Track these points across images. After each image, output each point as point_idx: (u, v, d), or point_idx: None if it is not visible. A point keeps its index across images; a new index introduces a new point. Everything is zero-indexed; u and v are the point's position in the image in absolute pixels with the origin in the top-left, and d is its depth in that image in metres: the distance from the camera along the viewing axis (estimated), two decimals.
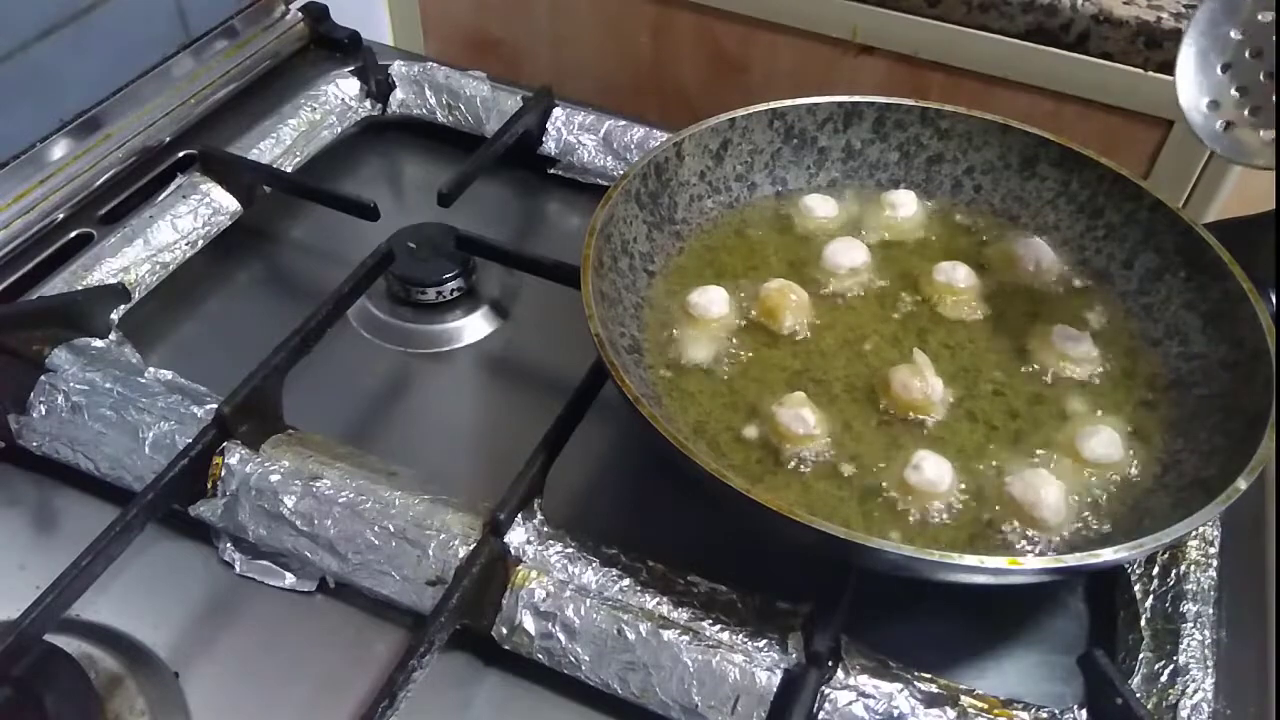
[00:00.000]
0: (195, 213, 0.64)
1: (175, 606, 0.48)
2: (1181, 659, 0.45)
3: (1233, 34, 0.50)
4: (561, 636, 0.44)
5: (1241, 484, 0.42)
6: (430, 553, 0.46)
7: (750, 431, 0.50)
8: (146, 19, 0.72)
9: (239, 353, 0.53)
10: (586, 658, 0.44)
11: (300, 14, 0.83)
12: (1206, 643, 0.45)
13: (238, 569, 0.49)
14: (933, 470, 0.47)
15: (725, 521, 0.49)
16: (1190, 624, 0.46)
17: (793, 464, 0.49)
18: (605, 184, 0.69)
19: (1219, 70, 0.50)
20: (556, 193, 0.74)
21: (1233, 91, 0.49)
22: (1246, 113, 0.49)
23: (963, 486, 0.48)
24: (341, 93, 0.74)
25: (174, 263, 0.62)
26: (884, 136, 0.63)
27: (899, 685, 0.42)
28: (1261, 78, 0.49)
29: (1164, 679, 0.44)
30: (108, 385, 0.52)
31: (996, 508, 0.47)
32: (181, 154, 0.71)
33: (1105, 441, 0.49)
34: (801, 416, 0.49)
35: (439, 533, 0.46)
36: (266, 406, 0.52)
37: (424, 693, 0.43)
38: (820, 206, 0.61)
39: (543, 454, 0.49)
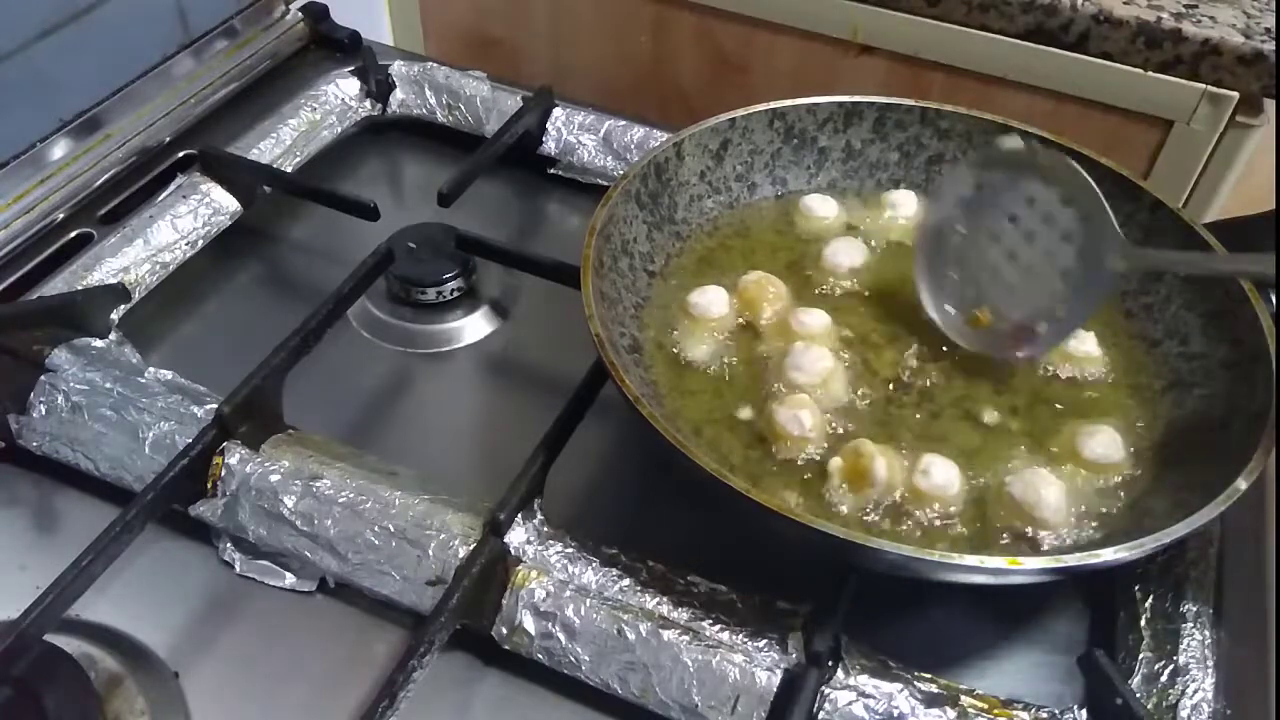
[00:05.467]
0: (195, 213, 0.64)
1: (175, 606, 0.48)
2: (1181, 659, 0.45)
3: (952, 243, 0.55)
4: (561, 636, 0.44)
5: (1241, 484, 0.42)
6: (430, 553, 0.46)
7: (750, 432, 0.50)
8: (146, 19, 0.72)
9: (239, 353, 0.52)
10: (586, 658, 0.44)
11: (300, 14, 0.83)
12: (1206, 643, 0.45)
13: (238, 569, 0.49)
14: (941, 475, 0.47)
15: (725, 521, 0.49)
16: (1190, 624, 0.46)
17: (793, 464, 0.49)
18: (605, 184, 0.69)
19: (949, 275, 0.55)
20: (556, 193, 0.74)
21: (964, 292, 0.54)
22: (978, 311, 0.53)
23: (963, 486, 0.48)
24: (341, 93, 0.74)
25: (174, 263, 0.62)
26: (884, 136, 0.63)
27: (899, 685, 0.42)
28: (981, 276, 0.54)
29: (1164, 679, 0.44)
30: (108, 385, 0.52)
31: (997, 508, 0.47)
32: (181, 154, 0.71)
33: (1105, 441, 0.49)
34: (798, 418, 0.49)
35: (439, 533, 0.46)
36: (266, 406, 0.52)
37: (424, 693, 0.43)
38: (820, 206, 0.61)
39: (543, 454, 0.49)
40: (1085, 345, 0.53)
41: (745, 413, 0.51)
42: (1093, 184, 0.50)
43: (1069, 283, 0.51)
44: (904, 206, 0.61)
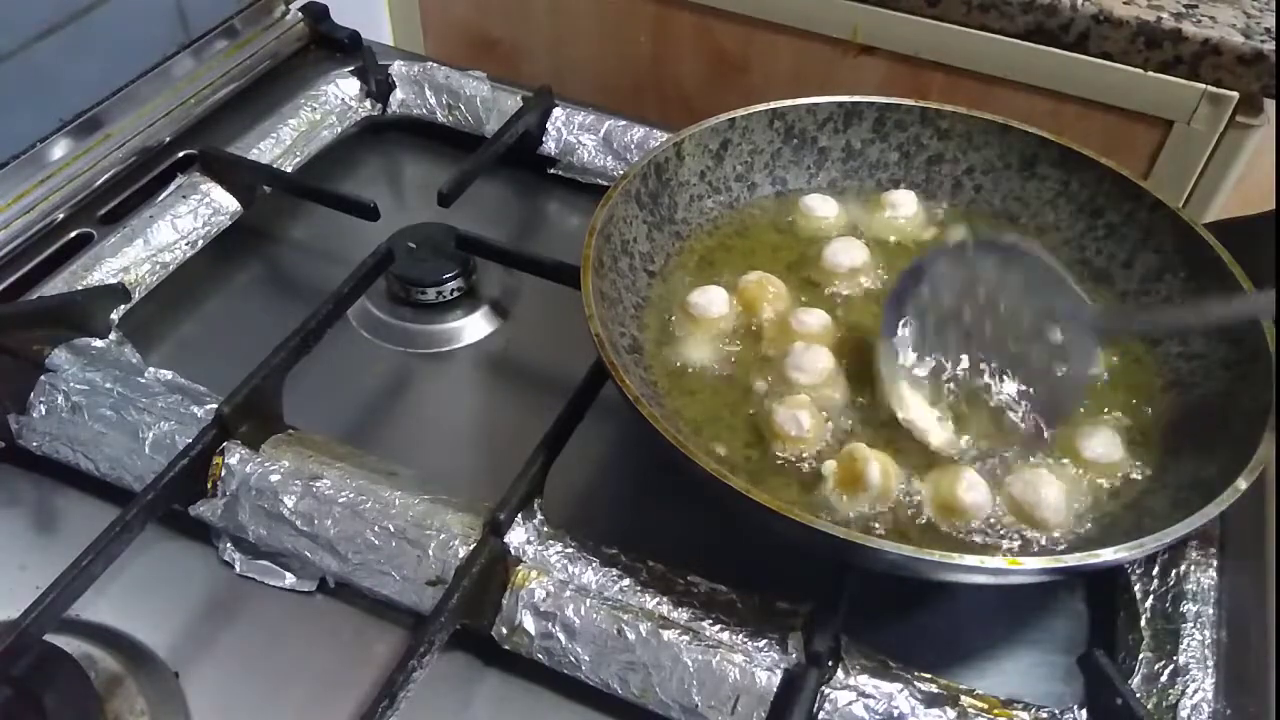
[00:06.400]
0: (195, 213, 0.64)
1: (175, 606, 0.48)
2: (1181, 659, 0.45)
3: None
4: (561, 636, 0.44)
5: (1241, 484, 0.42)
6: (430, 553, 0.46)
7: (750, 431, 0.50)
8: (146, 19, 0.72)
9: (239, 353, 0.52)
10: (586, 658, 0.44)
11: (300, 14, 0.83)
12: (1206, 643, 0.45)
13: (238, 569, 0.49)
14: (981, 494, 0.46)
15: (725, 521, 0.49)
16: (1190, 624, 0.46)
17: (793, 464, 0.49)
18: (605, 184, 0.69)
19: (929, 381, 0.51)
20: (556, 193, 0.74)
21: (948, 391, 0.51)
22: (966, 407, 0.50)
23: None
24: (341, 93, 0.74)
25: (174, 263, 0.62)
26: (884, 136, 0.63)
27: (899, 685, 0.42)
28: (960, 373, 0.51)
29: (1164, 679, 0.44)
30: (108, 385, 0.52)
31: (997, 508, 0.47)
32: (181, 154, 0.71)
33: (1105, 441, 0.49)
34: (797, 418, 0.49)
35: (439, 533, 0.46)
36: (266, 406, 0.52)
37: (424, 693, 0.43)
38: (820, 206, 0.61)
39: (543, 454, 0.49)
40: None
41: (760, 384, 0.51)
42: (1049, 259, 0.49)
43: (1061, 356, 0.49)
44: (904, 206, 0.61)
